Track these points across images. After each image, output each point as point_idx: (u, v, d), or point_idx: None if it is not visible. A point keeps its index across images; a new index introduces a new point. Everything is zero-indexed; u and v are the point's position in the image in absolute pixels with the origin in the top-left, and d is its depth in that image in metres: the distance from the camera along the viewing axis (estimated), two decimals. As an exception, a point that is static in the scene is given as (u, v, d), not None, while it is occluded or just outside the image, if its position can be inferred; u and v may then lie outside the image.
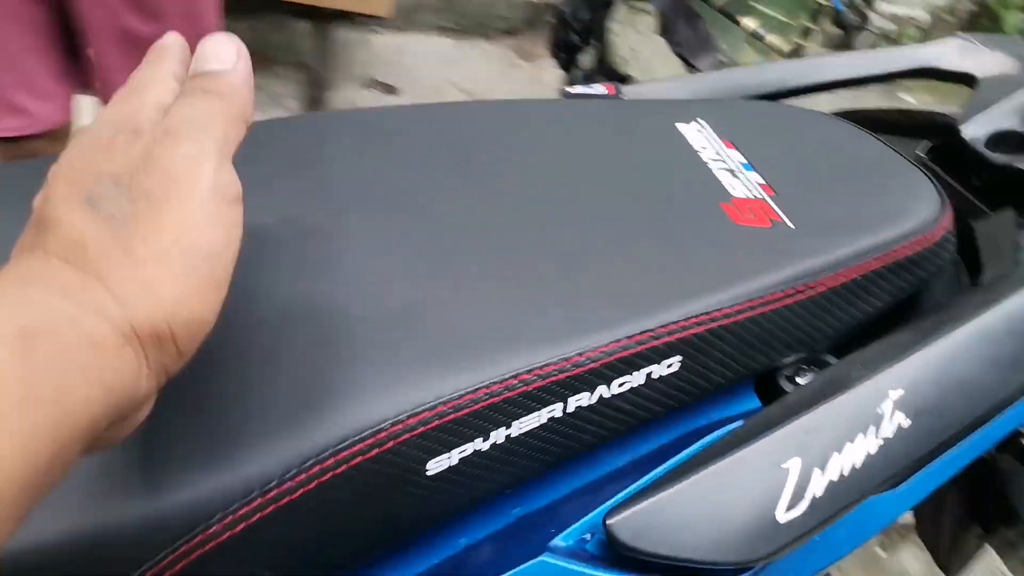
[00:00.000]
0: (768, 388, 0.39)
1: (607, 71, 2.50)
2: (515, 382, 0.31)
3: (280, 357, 0.31)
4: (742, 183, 0.42)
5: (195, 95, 0.27)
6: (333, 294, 0.34)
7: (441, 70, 2.57)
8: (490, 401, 0.31)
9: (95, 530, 0.26)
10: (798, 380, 0.38)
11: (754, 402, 0.39)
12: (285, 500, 0.28)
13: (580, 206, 0.40)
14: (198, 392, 0.30)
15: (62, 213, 0.25)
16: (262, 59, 2.42)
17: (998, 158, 0.48)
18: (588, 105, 0.50)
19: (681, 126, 0.48)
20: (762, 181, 0.43)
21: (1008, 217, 0.47)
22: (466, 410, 0.31)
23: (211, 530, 0.27)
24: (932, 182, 0.43)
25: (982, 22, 3.47)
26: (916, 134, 0.54)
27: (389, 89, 2.42)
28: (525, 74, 2.67)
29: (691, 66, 2.59)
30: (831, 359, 0.39)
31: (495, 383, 0.31)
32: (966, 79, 0.55)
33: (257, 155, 0.41)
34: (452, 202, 0.40)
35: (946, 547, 0.56)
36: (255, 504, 0.28)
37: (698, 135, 0.47)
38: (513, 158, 0.44)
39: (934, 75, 0.56)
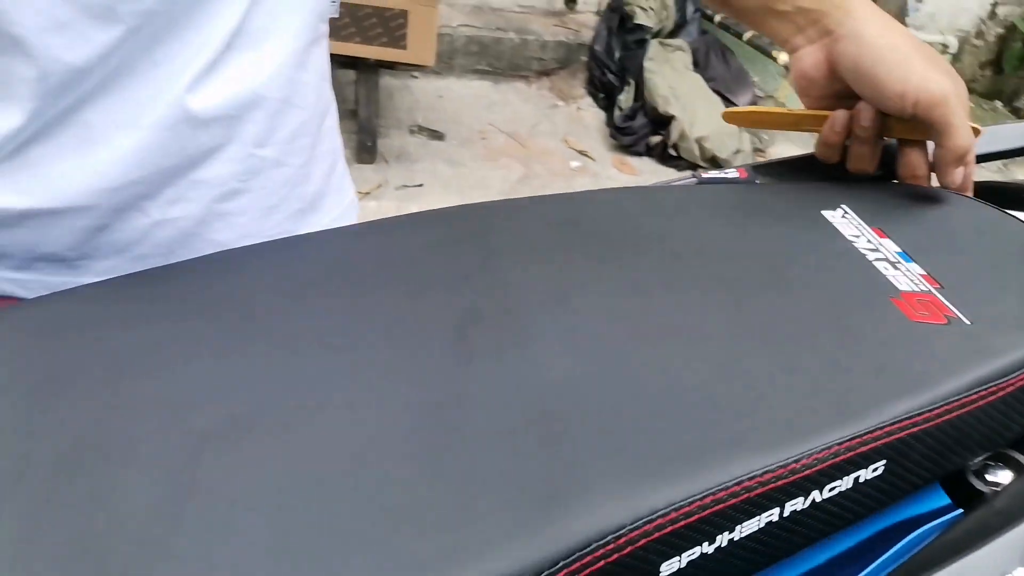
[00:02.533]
0: (956, 485, 0.40)
1: (648, 110, 2.54)
2: (738, 489, 0.32)
3: (519, 461, 0.32)
4: (904, 276, 0.44)
5: None
6: (549, 395, 0.35)
7: (483, 113, 2.62)
8: (716, 508, 0.32)
9: None
10: (987, 476, 0.39)
11: (943, 499, 0.40)
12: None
13: (755, 304, 0.42)
14: (444, 494, 0.31)
15: None
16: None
17: None
18: (727, 192, 0.52)
19: (827, 213, 0.49)
20: (923, 272, 0.44)
21: None
22: (696, 516, 0.32)
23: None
24: None
25: (1014, 45, 3.47)
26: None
27: (435, 135, 2.46)
28: (565, 114, 2.71)
29: (729, 101, 2.62)
30: (1017, 455, 0.40)
31: (720, 490, 0.32)
32: None
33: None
34: (635, 298, 0.41)
35: None
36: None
37: (846, 223, 0.48)
38: (665, 252, 0.45)
39: None
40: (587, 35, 2.83)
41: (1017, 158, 0.59)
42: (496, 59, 2.81)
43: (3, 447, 0.33)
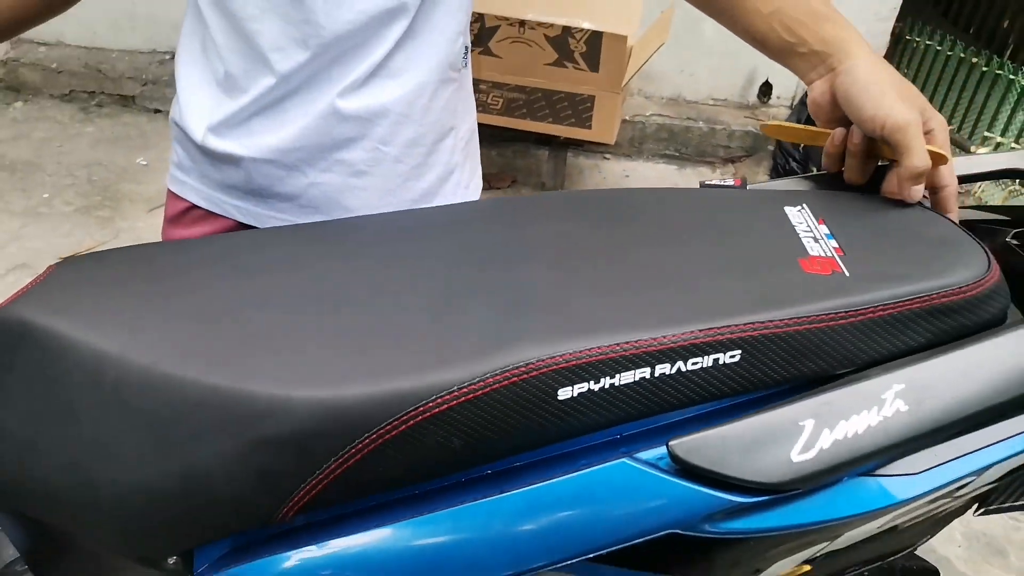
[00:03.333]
0: None
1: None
2: (618, 348, 0.48)
3: (479, 312, 0.51)
4: (819, 245, 0.56)
5: None
6: (521, 291, 0.54)
7: (661, 192, 2.80)
8: (602, 359, 0.48)
9: (361, 393, 0.47)
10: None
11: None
12: (472, 396, 0.46)
13: (689, 251, 0.57)
14: (429, 324, 0.50)
15: None
16: (510, 180, 2.83)
17: None
18: (719, 193, 0.67)
19: (788, 208, 0.62)
20: (837, 245, 0.56)
21: None
22: (584, 361, 0.47)
23: (430, 403, 0.46)
24: (985, 251, 0.54)
25: None
26: (1013, 224, 0.64)
27: (612, 207, 2.68)
28: (742, 197, 2.82)
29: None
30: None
31: (607, 349, 0.48)
32: None
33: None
34: (624, 253, 0.58)
35: None
36: (455, 393, 0.46)
37: (799, 214, 0.61)
38: (654, 225, 0.62)
39: (1016, 175, 0.66)
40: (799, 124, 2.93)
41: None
42: (683, 145, 3.00)
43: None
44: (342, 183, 0.77)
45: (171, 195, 0.86)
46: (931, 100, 2.93)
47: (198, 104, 0.77)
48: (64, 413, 0.51)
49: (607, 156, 2.99)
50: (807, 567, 0.70)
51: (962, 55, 2.84)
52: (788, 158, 2.78)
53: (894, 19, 3.03)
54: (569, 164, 2.83)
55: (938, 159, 0.62)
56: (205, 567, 0.53)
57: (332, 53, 0.72)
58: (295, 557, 0.51)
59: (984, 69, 2.75)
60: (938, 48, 2.95)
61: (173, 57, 3.24)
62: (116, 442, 0.50)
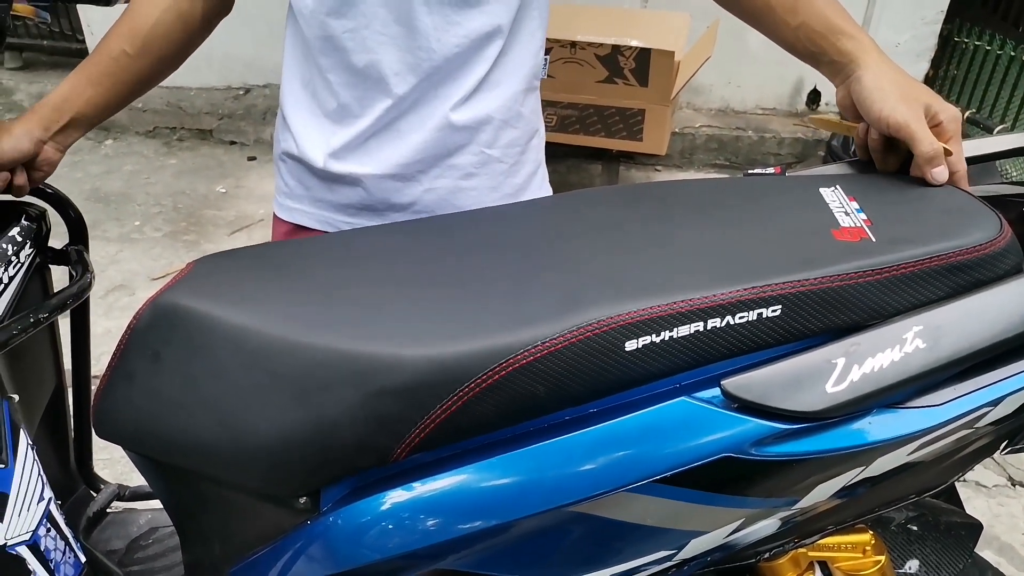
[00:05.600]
0: None
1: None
2: (674, 307, 0.56)
3: (555, 281, 0.61)
4: (851, 219, 0.64)
5: None
6: (584, 265, 0.63)
7: (713, 200, 2.86)
8: (660, 315, 0.56)
9: (461, 349, 0.57)
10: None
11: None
12: (554, 349, 0.56)
13: (733, 230, 0.65)
14: (514, 292, 0.60)
15: None
16: (561, 194, 2.92)
17: None
18: (760, 179, 0.75)
19: (822, 189, 0.70)
20: (866, 218, 0.64)
21: None
22: (645, 317, 0.56)
23: (519, 356, 0.55)
24: (998, 217, 0.61)
25: None
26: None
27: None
28: (794, 202, 2.86)
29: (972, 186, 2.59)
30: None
31: (664, 307, 0.57)
32: None
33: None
34: (676, 231, 0.67)
35: None
36: (539, 347, 0.56)
37: (832, 194, 0.69)
38: (702, 207, 0.71)
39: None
40: (826, 133, 2.97)
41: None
42: (734, 155, 3.06)
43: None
44: (453, 186, 0.89)
45: (278, 220, 0.98)
46: (982, 99, 2.93)
47: (313, 136, 0.89)
48: (213, 377, 0.62)
49: (659, 168, 3.07)
50: (870, 535, 0.76)
51: (1012, 53, 2.83)
52: (838, 159, 2.81)
53: (941, 22, 3.05)
54: (622, 176, 2.92)
55: (944, 151, 0.70)
56: (331, 505, 0.62)
57: (442, 73, 0.83)
58: (406, 494, 0.60)
59: (1036, 66, 2.74)
60: (987, 48, 2.95)
61: (246, 92, 3.45)
62: (257, 399, 0.60)
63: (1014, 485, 1.70)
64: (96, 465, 1.14)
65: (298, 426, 0.59)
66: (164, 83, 0.93)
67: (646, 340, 0.57)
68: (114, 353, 0.66)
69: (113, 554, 1.04)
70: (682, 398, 0.56)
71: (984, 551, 1.53)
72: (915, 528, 0.81)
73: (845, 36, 0.76)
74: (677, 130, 3.01)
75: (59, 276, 0.92)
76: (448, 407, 0.57)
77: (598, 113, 2.44)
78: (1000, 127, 2.71)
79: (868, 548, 0.73)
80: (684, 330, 0.57)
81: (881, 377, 0.54)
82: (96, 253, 2.49)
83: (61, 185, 0.90)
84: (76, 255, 0.94)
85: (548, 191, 1.00)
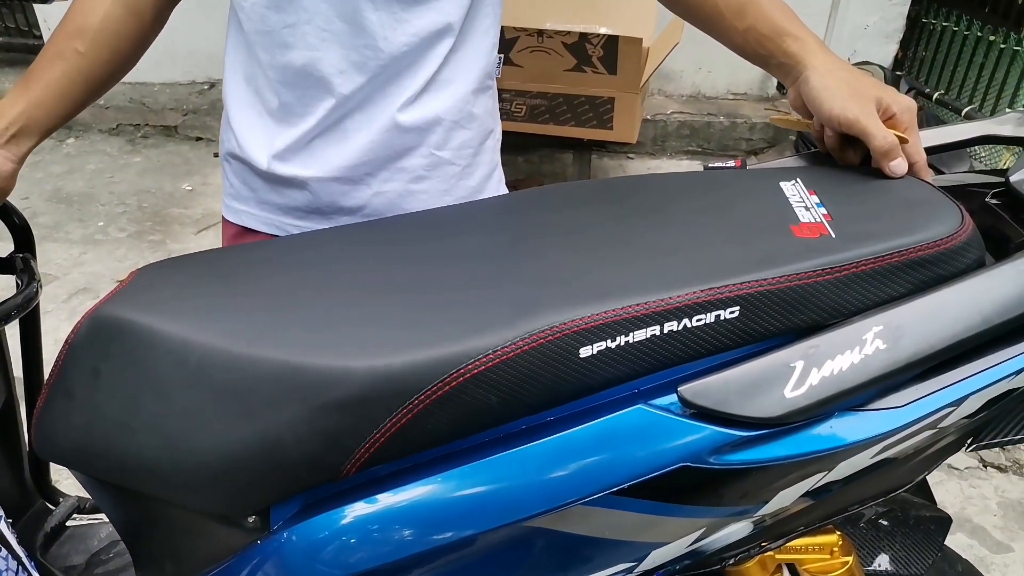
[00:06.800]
0: None
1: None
2: (631, 310, 0.54)
3: (508, 287, 0.58)
4: (810, 213, 0.62)
5: None
6: (547, 265, 0.61)
7: (686, 187, 2.86)
8: (616, 319, 0.55)
9: (410, 360, 0.54)
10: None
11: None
12: (506, 357, 0.54)
13: (696, 227, 0.64)
14: (466, 299, 0.58)
15: None
16: (536, 185, 2.91)
17: None
18: (720, 173, 0.73)
19: (782, 183, 0.69)
20: (826, 212, 0.62)
21: None
22: (601, 322, 0.54)
23: (470, 366, 0.53)
24: (959, 209, 0.60)
25: None
26: (995, 186, 0.69)
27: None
28: (766, 188, 2.86)
29: (941, 173, 2.60)
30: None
31: (620, 311, 0.55)
32: (1020, 142, 0.70)
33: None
34: (633, 231, 0.65)
35: None
36: (490, 356, 0.54)
37: (793, 188, 0.68)
38: (659, 205, 0.69)
39: (995, 140, 0.71)
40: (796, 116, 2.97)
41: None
42: (706, 141, 3.05)
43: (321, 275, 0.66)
44: (403, 189, 0.86)
45: (226, 223, 0.94)
46: (950, 80, 2.94)
47: (256, 136, 0.85)
48: (155, 394, 0.59)
49: (631, 156, 3.06)
50: (837, 535, 0.75)
51: (979, 34, 2.85)
52: (810, 146, 2.81)
53: (908, 3, 3.06)
54: (594, 166, 2.90)
55: (900, 140, 0.68)
56: (281, 523, 0.60)
57: (389, 72, 0.80)
58: (358, 509, 0.58)
59: (1002, 46, 2.76)
60: (955, 28, 2.96)
61: (212, 87, 3.38)
62: (201, 416, 0.58)
63: (986, 467, 1.71)
64: (57, 477, 1.11)
65: (243, 443, 0.57)
66: (126, 79, 0.88)
67: (601, 346, 0.55)
68: (52, 369, 0.63)
69: (72, 569, 1.01)
70: (639, 405, 0.54)
71: (956, 533, 1.54)
72: (884, 523, 0.80)
73: (790, 38, 0.75)
74: (649, 117, 2.99)
75: (6, 284, 0.89)
76: (398, 420, 0.55)
77: (567, 102, 2.41)
78: (968, 108, 2.73)
79: (836, 549, 0.73)
80: (640, 334, 0.55)
81: (841, 380, 0.52)
82: (59, 255, 2.44)
83: (22, 185, 0.86)
84: (22, 263, 0.91)
85: (503, 192, 0.98)
